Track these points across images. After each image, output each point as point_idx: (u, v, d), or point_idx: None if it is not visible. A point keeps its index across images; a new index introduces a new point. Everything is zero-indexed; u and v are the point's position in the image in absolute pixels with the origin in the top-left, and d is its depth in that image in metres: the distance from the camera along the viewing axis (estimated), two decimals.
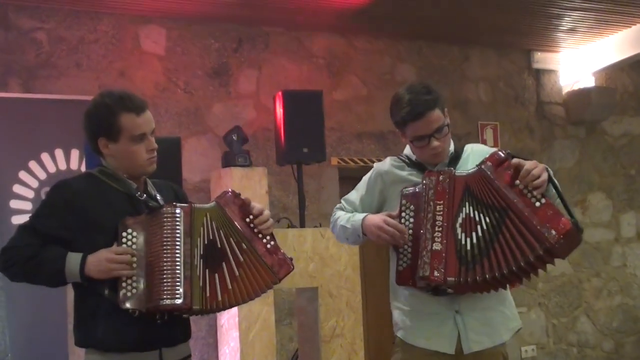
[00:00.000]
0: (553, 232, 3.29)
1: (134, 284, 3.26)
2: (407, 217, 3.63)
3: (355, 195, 3.99)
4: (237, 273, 3.37)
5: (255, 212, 3.48)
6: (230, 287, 3.36)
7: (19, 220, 6.35)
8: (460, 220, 3.51)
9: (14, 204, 6.61)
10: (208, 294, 3.31)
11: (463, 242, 3.48)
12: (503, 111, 9.26)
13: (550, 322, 9.26)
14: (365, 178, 3.98)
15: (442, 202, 3.52)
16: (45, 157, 6.79)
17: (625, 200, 9.89)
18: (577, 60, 9.40)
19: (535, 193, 3.38)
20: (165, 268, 3.24)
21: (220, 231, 3.40)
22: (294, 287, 6.27)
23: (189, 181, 7.29)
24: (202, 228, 3.38)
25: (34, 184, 6.71)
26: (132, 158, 3.41)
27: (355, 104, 8.43)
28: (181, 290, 3.23)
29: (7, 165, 6.66)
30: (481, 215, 3.48)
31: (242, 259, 3.40)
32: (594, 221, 9.66)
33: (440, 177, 3.56)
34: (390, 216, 3.67)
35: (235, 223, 3.43)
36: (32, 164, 6.73)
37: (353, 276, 6.14)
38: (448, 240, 3.48)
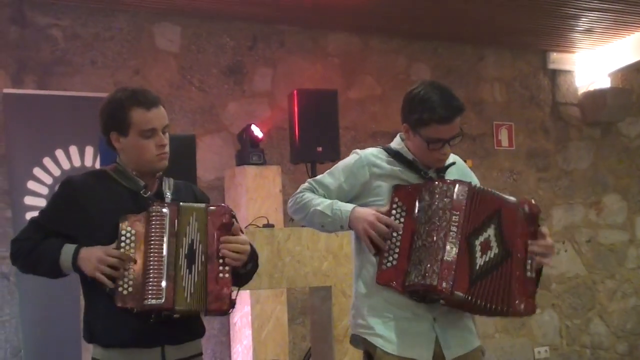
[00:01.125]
0: (522, 306, 3.52)
1: (130, 282, 3.26)
2: (397, 215, 3.57)
3: (330, 180, 3.79)
4: (195, 280, 3.32)
5: (232, 238, 3.40)
6: (192, 291, 3.31)
7: (32, 216, 6.36)
8: (482, 238, 3.51)
9: (29, 200, 6.61)
10: (186, 294, 3.28)
11: (478, 259, 3.49)
12: (518, 112, 9.24)
13: (563, 323, 9.23)
14: (347, 164, 3.78)
15: (458, 213, 3.47)
16: (59, 153, 6.79)
17: None
18: (592, 61, 9.37)
19: (534, 264, 3.55)
20: (151, 267, 3.24)
21: (198, 234, 3.37)
22: (307, 285, 6.27)
23: (203, 179, 7.29)
24: (187, 227, 3.36)
25: (48, 180, 6.71)
26: (141, 153, 3.40)
27: (370, 103, 8.42)
28: (163, 290, 3.22)
29: (21, 162, 6.67)
30: (495, 243, 3.52)
31: (199, 269, 3.33)
32: (608, 223, 9.63)
33: (459, 187, 3.52)
34: (379, 212, 3.59)
35: (207, 234, 3.37)
36: (47, 161, 6.74)
37: None
38: (461, 254, 3.44)
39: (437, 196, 3.52)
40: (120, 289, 3.25)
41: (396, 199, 3.60)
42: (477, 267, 3.46)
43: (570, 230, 9.30)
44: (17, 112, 6.70)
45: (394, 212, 3.58)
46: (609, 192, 9.68)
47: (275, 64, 8.00)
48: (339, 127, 6.63)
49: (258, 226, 5.82)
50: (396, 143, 3.81)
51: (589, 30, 8.63)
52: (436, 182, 3.58)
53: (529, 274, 3.53)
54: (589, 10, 8.00)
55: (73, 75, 7.09)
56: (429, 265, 3.43)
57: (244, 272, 3.51)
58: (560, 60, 9.44)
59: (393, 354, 3.60)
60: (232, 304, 3.37)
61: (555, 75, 9.49)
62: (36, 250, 3.35)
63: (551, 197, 9.21)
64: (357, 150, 3.83)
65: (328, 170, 3.86)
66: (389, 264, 3.55)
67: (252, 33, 7.91)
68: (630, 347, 9.62)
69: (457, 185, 3.52)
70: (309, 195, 3.78)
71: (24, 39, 6.96)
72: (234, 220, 3.45)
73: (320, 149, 6.40)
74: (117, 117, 3.40)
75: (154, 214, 3.31)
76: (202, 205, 3.44)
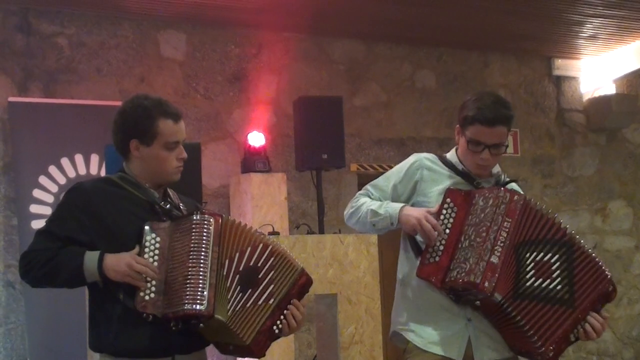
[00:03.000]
0: (551, 354, 3.53)
1: (153, 289, 3.23)
2: (447, 215, 3.62)
3: (385, 182, 3.89)
4: (248, 304, 3.31)
5: (301, 307, 3.42)
6: (237, 307, 3.29)
7: (38, 224, 6.36)
8: (536, 256, 3.51)
9: (34, 208, 6.63)
10: (228, 306, 3.27)
11: (527, 276, 3.50)
12: (523, 118, 9.23)
13: None
14: (404, 165, 3.89)
15: (511, 220, 3.50)
16: (65, 162, 6.81)
17: None
18: (597, 68, 9.37)
19: (581, 330, 3.59)
20: (190, 274, 3.20)
21: (272, 273, 3.35)
22: (313, 293, 6.26)
23: (209, 187, 7.29)
24: (250, 247, 3.34)
25: (54, 188, 6.73)
26: (162, 165, 3.38)
27: (375, 110, 8.42)
28: (205, 296, 3.19)
29: (27, 170, 6.68)
30: (560, 276, 3.53)
31: (260, 302, 3.32)
32: (614, 229, 9.61)
33: (516, 197, 3.55)
34: (429, 213, 3.64)
35: (290, 289, 3.38)
36: (52, 169, 6.75)
37: (372, 282, 6.12)
38: (506, 258, 3.46)
39: (491, 201, 3.56)
40: (142, 294, 3.22)
41: (448, 200, 3.66)
42: (528, 285, 3.49)
43: None
44: (23, 120, 6.72)
45: (444, 211, 3.64)
46: (615, 198, 9.67)
47: (280, 71, 8.00)
48: (344, 134, 6.62)
49: (263, 234, 5.82)
50: (450, 154, 3.90)
51: (593, 37, 8.63)
52: (493, 188, 3.64)
53: (572, 336, 3.57)
54: (594, 17, 8.01)
55: (79, 83, 7.11)
56: (474, 264, 3.46)
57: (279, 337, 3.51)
58: (565, 66, 9.45)
59: (424, 349, 3.67)
60: (262, 356, 3.38)
61: (560, 81, 9.49)
62: (54, 260, 3.25)
63: (556, 204, 9.20)
64: (416, 153, 3.94)
65: (383, 175, 3.96)
66: (431, 260, 3.60)
67: (257, 40, 7.92)
68: (636, 353, 9.60)
69: (513, 194, 3.57)
70: (363, 199, 3.88)
71: (30, 47, 6.98)
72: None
73: (325, 156, 6.40)
74: (142, 125, 3.35)
75: (196, 222, 3.28)
76: (299, 265, 3.44)
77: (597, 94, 9.48)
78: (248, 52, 7.87)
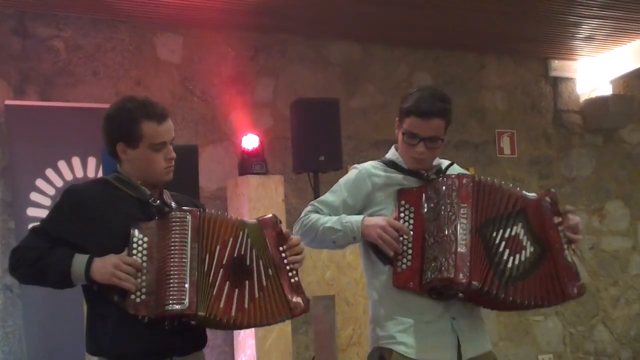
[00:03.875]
0: (575, 290, 3.57)
1: (143, 290, 3.23)
2: (406, 217, 3.62)
3: (334, 197, 3.84)
4: (256, 295, 3.34)
5: (290, 244, 3.47)
6: (246, 306, 3.32)
7: (33, 225, 6.37)
8: (503, 234, 3.55)
9: (31, 211, 6.62)
10: (221, 305, 3.28)
11: (505, 258, 3.53)
12: (520, 119, 9.24)
13: (567, 330, 9.22)
14: (348, 179, 3.85)
15: (466, 205, 3.52)
16: (62, 164, 6.80)
17: None
18: (594, 68, 9.37)
19: (570, 246, 3.63)
20: (171, 273, 3.21)
21: (253, 250, 3.38)
22: (311, 295, 6.26)
23: (206, 189, 7.29)
24: (231, 239, 3.36)
25: (51, 191, 6.72)
26: (150, 166, 3.40)
27: (372, 112, 8.42)
28: (187, 295, 3.20)
29: (24, 173, 6.68)
30: (528, 242, 3.58)
31: (265, 283, 3.37)
32: (611, 229, 9.62)
33: (464, 180, 3.57)
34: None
35: (269, 247, 3.41)
36: (49, 172, 6.74)
37: None
38: (474, 245, 3.48)
39: (443, 191, 3.57)
40: (132, 296, 3.22)
41: (402, 202, 3.65)
42: (510, 266, 3.52)
43: None
44: (20, 123, 6.71)
45: (402, 215, 3.63)
46: (612, 199, 9.68)
47: (277, 74, 8.01)
48: (341, 136, 6.63)
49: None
50: (391, 154, 3.89)
51: (590, 38, 8.64)
52: (440, 178, 3.64)
53: (569, 259, 3.60)
54: (590, 18, 8.01)
55: (75, 86, 7.11)
56: (444, 260, 3.47)
57: None
58: (561, 67, 9.45)
59: (411, 358, 3.63)
60: (309, 301, 3.47)
61: (556, 82, 9.50)
62: (43, 260, 3.28)
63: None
64: (356, 165, 3.91)
65: (330, 190, 3.91)
66: (403, 266, 3.58)
67: (253, 43, 7.92)
68: (634, 353, 9.60)
69: (461, 178, 3.59)
70: (314, 216, 3.81)
71: (26, 50, 6.97)
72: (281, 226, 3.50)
73: (322, 158, 6.40)
74: (127, 128, 3.38)
75: (174, 219, 3.29)
76: (253, 221, 3.48)
77: (593, 95, 9.49)
78: (245, 54, 7.87)
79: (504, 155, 9.03)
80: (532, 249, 3.57)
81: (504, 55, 9.19)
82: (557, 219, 3.63)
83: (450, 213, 3.51)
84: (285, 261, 3.43)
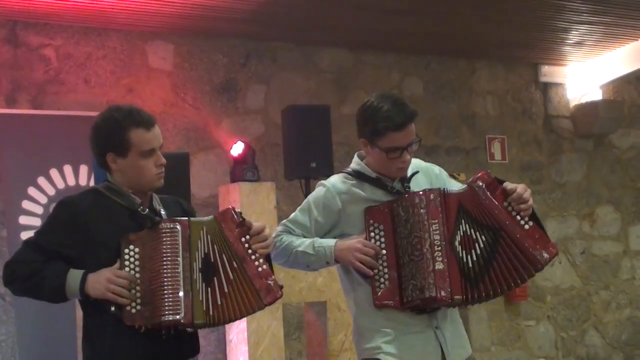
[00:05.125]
0: (545, 254, 3.54)
1: (138, 301, 3.25)
2: (377, 237, 3.60)
3: (304, 217, 3.78)
4: (225, 290, 3.33)
5: (252, 232, 3.43)
6: (219, 303, 3.33)
7: (28, 236, 6.33)
8: (458, 237, 3.56)
9: (23, 219, 6.62)
10: (205, 308, 3.30)
11: (465, 259, 3.54)
12: (510, 125, 9.27)
13: (559, 335, 9.25)
14: (317, 198, 3.78)
15: (436, 220, 3.53)
16: (54, 173, 6.80)
17: (633, 213, 9.87)
18: (584, 74, 9.41)
19: (523, 215, 3.58)
20: (165, 284, 3.23)
21: (214, 246, 3.37)
22: (303, 301, 6.28)
23: (198, 196, 7.30)
24: (199, 241, 3.36)
25: (43, 200, 6.72)
26: (141, 173, 3.40)
27: None
28: (182, 305, 3.22)
29: (16, 182, 6.68)
30: (477, 233, 3.57)
31: (231, 276, 3.35)
32: (602, 234, 9.65)
33: (432, 196, 3.56)
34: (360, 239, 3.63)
35: (229, 239, 3.39)
36: (41, 180, 6.75)
37: None
38: (449, 259, 3.50)
39: (411, 210, 3.55)
40: (128, 308, 3.24)
41: (371, 221, 3.63)
42: (471, 266, 3.54)
43: (564, 242, 9.32)
44: (11, 132, 6.71)
45: (372, 234, 3.62)
46: (603, 204, 9.71)
47: (268, 81, 8.02)
48: (332, 143, 6.65)
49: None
50: (355, 163, 3.83)
51: (579, 43, 8.68)
52: (407, 196, 3.62)
53: (526, 226, 3.57)
54: (579, 24, 8.05)
55: (66, 94, 7.11)
56: (423, 279, 3.48)
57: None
58: (551, 73, 9.48)
59: None
60: (281, 287, 3.43)
61: (547, 88, 9.53)
62: (38, 274, 3.28)
63: (545, 210, 9.23)
64: (323, 182, 3.83)
65: (299, 208, 3.86)
66: (382, 286, 3.58)
67: (244, 50, 7.93)
68: (625, 357, 9.63)
69: (428, 195, 3.58)
70: (287, 238, 3.76)
71: (17, 59, 6.97)
72: (242, 216, 3.47)
73: (314, 164, 6.42)
74: (115, 137, 3.38)
75: (164, 230, 3.30)
76: (210, 217, 3.45)
77: (583, 100, 9.52)
78: (236, 61, 7.89)
79: (494, 161, 9.06)
80: (482, 238, 3.56)
81: (494, 61, 9.22)
82: (497, 197, 3.60)
83: (424, 231, 3.51)
84: (250, 251, 3.39)
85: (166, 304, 3.21)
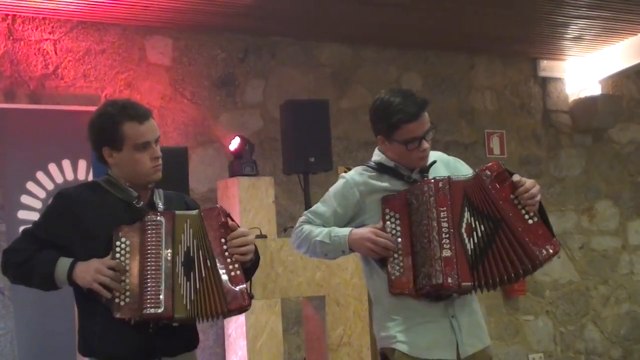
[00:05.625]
0: (544, 251, 3.55)
1: (127, 293, 3.26)
2: (392, 225, 3.65)
3: (324, 208, 3.89)
4: (197, 286, 3.32)
5: (234, 234, 3.41)
6: (192, 298, 3.32)
7: (25, 227, 6.38)
8: (464, 225, 3.59)
9: (22, 214, 6.63)
10: (184, 302, 3.29)
11: (470, 247, 3.56)
12: (509, 119, 9.27)
13: (557, 330, 9.25)
14: (337, 190, 3.90)
15: (444, 208, 3.57)
16: (52, 167, 6.81)
17: (632, 208, 9.87)
18: (583, 68, 9.40)
19: (528, 209, 3.60)
20: (148, 277, 3.25)
21: (194, 240, 3.37)
22: (301, 295, 6.28)
23: (196, 191, 7.30)
24: (182, 234, 3.37)
25: (42, 194, 6.73)
26: (136, 166, 3.42)
27: (362, 113, 8.41)
28: (162, 299, 3.22)
29: (15, 176, 6.68)
30: (477, 222, 3.60)
31: (203, 274, 3.33)
32: (601, 229, 9.65)
33: (440, 184, 3.60)
34: (375, 227, 3.67)
35: (209, 237, 3.38)
36: (40, 175, 6.75)
37: (360, 284, 6.14)
38: (456, 247, 3.53)
39: (422, 197, 3.60)
40: (117, 300, 3.25)
41: (387, 210, 3.68)
42: (470, 253, 3.56)
43: (563, 237, 9.32)
44: (10, 127, 6.72)
45: (388, 223, 3.66)
46: (601, 199, 9.71)
47: (266, 75, 8.02)
48: (331, 137, 6.65)
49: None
50: (376, 155, 3.92)
51: (578, 38, 8.67)
52: (418, 184, 3.67)
53: (530, 221, 3.59)
54: (578, 18, 8.04)
55: (65, 89, 7.11)
56: (431, 266, 3.52)
57: (249, 265, 3.51)
58: (550, 67, 9.47)
59: (413, 356, 3.68)
60: (251, 297, 3.40)
61: (545, 82, 9.53)
62: (30, 262, 3.33)
63: (543, 205, 9.22)
64: (343, 174, 3.96)
65: (321, 199, 3.97)
66: (397, 274, 3.62)
67: (243, 45, 7.93)
68: (624, 352, 9.64)
69: (437, 183, 3.61)
70: (307, 228, 3.88)
71: (16, 53, 6.97)
72: (229, 218, 3.46)
73: (312, 159, 6.42)
74: (109, 132, 3.41)
75: (149, 223, 3.31)
76: (195, 211, 3.46)
77: (582, 95, 9.51)
78: (234, 56, 7.89)
79: (493, 156, 9.05)
80: (482, 227, 3.58)
81: (493, 56, 9.22)
82: (504, 189, 3.62)
83: (432, 219, 3.55)
84: (226, 253, 3.37)
85: (148, 297, 3.23)
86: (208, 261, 3.36)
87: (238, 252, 3.40)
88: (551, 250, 3.56)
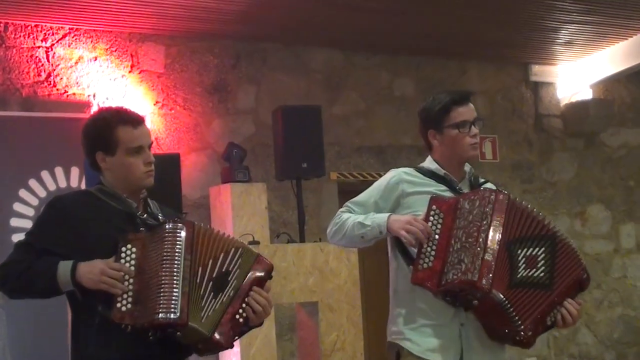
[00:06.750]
0: (530, 333, 3.58)
1: (129, 299, 3.24)
2: (435, 221, 3.66)
3: (366, 198, 3.93)
4: (216, 307, 3.31)
5: (264, 293, 3.42)
6: (210, 314, 3.29)
7: (19, 238, 6.30)
8: (527, 252, 3.61)
9: (15, 222, 6.62)
10: (205, 315, 3.30)
11: (520, 270, 3.58)
12: (501, 124, 9.28)
13: (551, 333, 9.25)
14: (383, 182, 3.93)
15: (500, 218, 3.57)
16: (45, 175, 6.81)
17: (624, 212, 9.90)
18: (574, 73, 9.43)
19: (557, 315, 3.67)
20: (163, 283, 3.20)
21: (237, 270, 3.38)
22: (294, 301, 6.28)
23: (189, 197, 7.31)
24: (222, 254, 3.37)
25: (34, 202, 6.73)
26: (129, 171, 3.41)
27: (354, 118, 8.46)
28: (178, 305, 3.21)
29: (7, 184, 6.68)
30: (543, 266, 3.62)
31: (224, 299, 3.33)
32: (593, 233, 9.67)
33: (501, 197, 3.63)
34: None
35: (247, 277, 3.39)
36: (32, 182, 6.75)
37: (353, 290, 6.16)
38: (499, 255, 3.53)
39: (477, 203, 3.62)
40: (118, 304, 3.23)
41: (434, 207, 3.69)
42: (518, 277, 3.57)
43: None
44: (2, 134, 6.72)
45: (431, 218, 3.67)
46: (593, 203, 9.73)
47: (258, 82, 8.03)
48: (324, 143, 6.66)
49: (236, 239, 5.84)
50: (428, 162, 3.97)
51: (569, 43, 8.70)
52: (477, 191, 3.73)
53: (549, 319, 3.64)
54: (569, 24, 8.08)
55: (57, 96, 7.11)
56: (469, 263, 3.51)
57: (246, 329, 3.50)
58: (542, 72, 9.50)
59: (417, 355, 3.71)
60: (230, 346, 3.39)
61: (537, 87, 9.55)
62: (30, 270, 3.27)
63: (536, 209, 9.23)
64: (394, 169, 3.99)
65: (365, 191, 3.99)
66: (424, 265, 3.62)
67: (235, 51, 7.94)
68: (618, 356, 9.65)
69: (498, 194, 3.64)
70: (346, 215, 3.90)
71: (8, 61, 6.97)
72: (270, 276, 3.48)
73: (305, 165, 6.43)
74: (103, 136, 3.40)
75: (168, 231, 3.30)
76: (256, 252, 3.47)
77: (574, 99, 9.54)
78: (226, 62, 7.90)
79: (486, 160, 9.07)
80: (542, 273, 3.60)
81: (485, 61, 9.24)
82: (574, 289, 3.69)
83: (484, 222, 3.56)
84: (247, 298, 3.38)
85: (161, 303, 3.17)
86: (232, 291, 3.35)
87: (254, 306, 3.39)
88: (529, 338, 3.60)
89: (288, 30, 7.79)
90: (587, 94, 9.50)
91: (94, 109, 7.00)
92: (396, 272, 3.88)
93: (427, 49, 8.71)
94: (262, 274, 3.44)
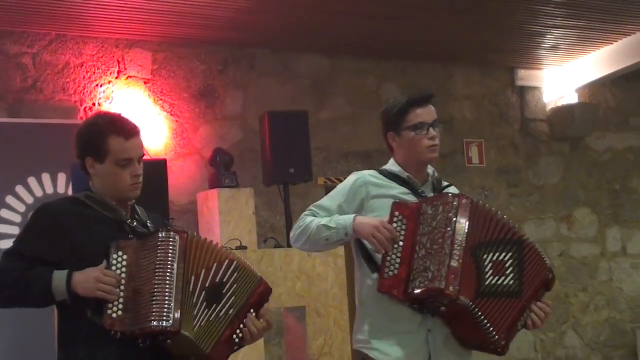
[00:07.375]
0: (503, 342, 3.62)
1: (120, 306, 3.23)
2: (398, 228, 3.62)
3: (330, 202, 3.88)
4: (211, 318, 3.32)
5: (260, 314, 3.45)
6: (202, 324, 3.30)
7: (6, 244, 6.29)
8: (493, 257, 3.60)
9: (2, 228, 6.62)
10: (198, 324, 3.30)
11: (488, 277, 3.57)
12: (488, 128, 9.32)
13: (537, 337, 9.28)
14: (346, 184, 3.89)
15: (463, 222, 3.55)
16: (32, 181, 6.81)
17: (610, 215, 9.93)
18: (560, 77, 9.47)
19: (527, 319, 3.71)
20: (155, 291, 3.20)
21: (234, 285, 3.37)
22: (281, 306, 6.29)
23: (176, 203, 7.31)
24: (215, 264, 3.36)
25: (21, 208, 6.72)
26: (115, 181, 3.40)
27: (341, 123, 8.47)
28: (171, 313, 3.21)
29: None
30: (512, 273, 3.61)
31: (219, 315, 3.33)
32: (579, 236, 9.71)
33: (464, 201, 3.60)
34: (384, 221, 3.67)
35: (249, 296, 3.40)
36: (19, 188, 6.75)
37: (340, 294, 6.16)
38: (465, 261, 3.51)
39: (441, 208, 3.59)
40: (109, 311, 3.22)
41: (396, 213, 3.66)
42: (487, 284, 3.56)
43: (542, 245, 9.31)
44: None
45: (394, 225, 3.64)
46: (580, 206, 9.76)
47: (245, 87, 8.04)
48: (311, 148, 6.67)
49: (231, 248, 5.85)
50: (391, 164, 3.93)
51: (555, 47, 8.74)
52: (440, 196, 3.71)
53: (519, 324, 3.66)
54: (554, 28, 8.12)
55: (44, 102, 7.11)
56: (436, 270, 3.49)
57: (237, 348, 3.50)
58: (528, 77, 9.54)
59: None
60: None
61: (523, 91, 9.58)
62: (23, 280, 3.24)
63: (522, 213, 9.28)
64: (356, 172, 3.95)
65: (327, 195, 3.96)
66: (390, 273, 3.59)
67: (222, 57, 7.95)
68: (604, 358, 9.68)
69: (461, 198, 3.62)
70: (310, 218, 3.85)
71: None
72: (267, 299, 3.50)
73: (292, 170, 6.44)
74: (94, 142, 3.39)
75: (161, 239, 3.30)
76: (257, 273, 3.47)
77: (560, 104, 9.58)
78: (213, 68, 7.91)
79: (472, 165, 9.10)
80: (511, 282, 3.60)
81: (471, 66, 9.27)
82: (542, 291, 3.71)
83: (448, 228, 3.54)
84: (245, 320, 3.39)
85: (154, 310, 3.17)
86: (231, 310, 3.36)
87: (251, 323, 3.40)
88: (503, 346, 3.63)
89: (275, 36, 7.81)
90: (572, 98, 9.55)
91: (81, 115, 7.02)
92: (361, 280, 3.85)
93: (414, 53, 8.73)
94: (260, 297, 3.45)
